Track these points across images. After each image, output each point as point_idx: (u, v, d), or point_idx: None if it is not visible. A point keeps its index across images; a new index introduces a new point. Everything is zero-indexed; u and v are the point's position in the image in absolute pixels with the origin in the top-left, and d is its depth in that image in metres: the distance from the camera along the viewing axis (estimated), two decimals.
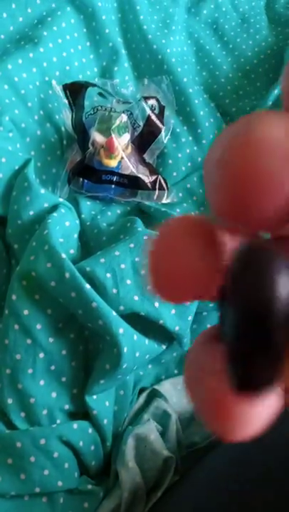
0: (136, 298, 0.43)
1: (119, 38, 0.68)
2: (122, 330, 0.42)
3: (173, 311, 0.45)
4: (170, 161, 0.62)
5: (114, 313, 0.42)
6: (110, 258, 0.45)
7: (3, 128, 0.54)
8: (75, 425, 0.43)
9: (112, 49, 0.67)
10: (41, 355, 0.42)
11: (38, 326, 0.42)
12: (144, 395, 0.50)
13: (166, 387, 0.51)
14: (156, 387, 0.50)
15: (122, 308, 0.43)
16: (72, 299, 0.42)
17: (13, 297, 0.42)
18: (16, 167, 0.52)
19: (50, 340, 0.43)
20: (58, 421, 0.43)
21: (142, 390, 0.51)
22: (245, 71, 0.75)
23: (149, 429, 0.46)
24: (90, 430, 0.44)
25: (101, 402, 0.44)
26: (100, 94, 0.60)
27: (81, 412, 0.44)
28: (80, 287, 0.42)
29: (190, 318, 0.46)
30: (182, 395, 0.51)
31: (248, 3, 0.83)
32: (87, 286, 0.42)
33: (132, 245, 0.46)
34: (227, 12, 0.79)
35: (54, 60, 0.62)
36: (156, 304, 0.44)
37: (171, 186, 0.60)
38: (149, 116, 0.58)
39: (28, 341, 0.42)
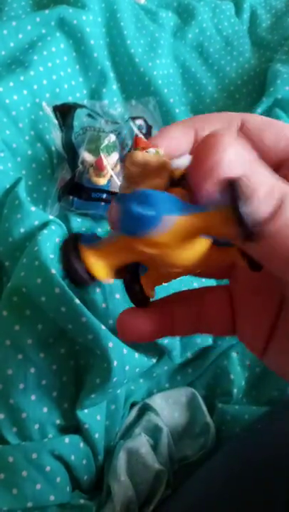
0: None
1: (107, 61, 0.70)
2: (112, 344, 0.43)
3: None
4: None
5: (103, 327, 0.43)
6: None
7: None
8: (67, 439, 0.43)
9: (101, 72, 0.69)
10: (32, 370, 0.43)
11: (29, 341, 0.43)
12: (135, 409, 0.50)
13: (157, 401, 0.51)
14: (147, 401, 0.51)
15: (111, 322, 0.44)
16: (62, 313, 0.43)
17: (4, 313, 0.43)
18: (7, 186, 0.53)
19: (41, 355, 0.43)
20: (50, 435, 0.43)
21: (133, 404, 0.51)
22: (229, 92, 0.78)
23: (141, 442, 0.46)
24: (82, 444, 0.44)
25: (92, 416, 0.44)
26: (89, 115, 0.62)
27: (72, 426, 0.45)
28: (69, 302, 0.42)
29: None
30: (174, 409, 0.51)
31: (232, 27, 0.86)
32: (77, 301, 0.43)
33: None
34: (211, 36, 0.82)
35: (44, 82, 0.64)
36: None
37: None
38: (136, 136, 0.60)
39: (20, 356, 0.42)
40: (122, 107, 0.67)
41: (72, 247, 0.17)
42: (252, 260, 0.18)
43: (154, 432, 0.48)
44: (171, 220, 0.16)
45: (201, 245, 0.17)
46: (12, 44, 0.65)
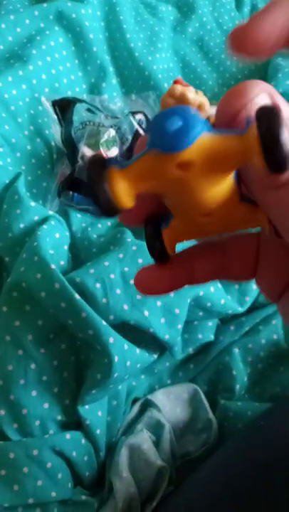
0: (125, 307, 0.44)
1: (106, 55, 0.70)
2: (113, 339, 0.42)
3: (162, 320, 0.45)
4: None
5: (104, 322, 0.43)
6: (100, 268, 0.46)
7: None
8: (68, 435, 0.43)
9: (100, 66, 0.68)
10: (33, 365, 0.42)
11: (29, 337, 0.42)
12: (137, 405, 0.50)
13: (159, 397, 0.51)
14: (149, 397, 0.50)
15: (112, 317, 0.44)
16: (62, 309, 0.42)
17: (4, 309, 0.43)
18: (7, 181, 0.53)
19: (42, 350, 0.43)
20: (51, 431, 0.43)
21: (135, 400, 0.51)
22: (230, 86, 0.77)
23: (143, 439, 0.46)
24: (83, 440, 0.44)
25: (93, 412, 0.44)
26: (89, 109, 0.61)
27: (74, 422, 0.44)
28: (69, 297, 0.42)
29: (179, 326, 0.46)
30: (175, 405, 0.51)
31: (232, 21, 0.85)
32: (77, 296, 0.42)
33: (121, 255, 0.47)
34: (212, 30, 0.81)
35: (43, 77, 0.63)
36: (146, 313, 0.45)
37: None
38: (136, 131, 0.60)
39: (20, 352, 0.42)
40: (122, 101, 0.66)
41: (99, 168, 0.16)
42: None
43: (156, 428, 0.48)
44: (204, 137, 0.15)
45: (227, 184, 0.17)
46: (10, 38, 0.64)
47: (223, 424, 0.50)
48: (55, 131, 0.60)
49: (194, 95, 0.15)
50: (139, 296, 0.45)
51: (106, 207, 0.16)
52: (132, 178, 0.16)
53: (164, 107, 0.17)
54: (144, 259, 0.47)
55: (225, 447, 0.44)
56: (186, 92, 0.15)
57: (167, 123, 0.15)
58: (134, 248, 0.48)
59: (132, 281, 0.46)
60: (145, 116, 0.63)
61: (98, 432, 0.44)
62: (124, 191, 0.16)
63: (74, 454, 0.42)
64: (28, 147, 0.60)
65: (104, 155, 0.55)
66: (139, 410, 0.50)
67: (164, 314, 0.46)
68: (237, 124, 0.16)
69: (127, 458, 0.45)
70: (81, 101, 0.61)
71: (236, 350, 0.53)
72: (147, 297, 0.45)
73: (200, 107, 0.16)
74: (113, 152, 0.57)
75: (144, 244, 0.48)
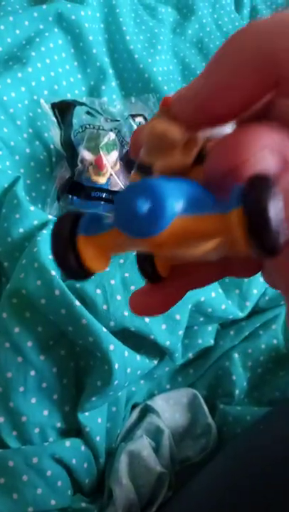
0: (126, 313, 0.44)
1: (106, 57, 0.70)
2: (113, 346, 0.42)
3: (163, 326, 0.45)
4: None
5: (104, 329, 0.42)
6: (100, 274, 0.45)
7: None
8: (68, 443, 0.42)
9: (100, 68, 0.68)
10: (32, 372, 0.42)
11: (29, 344, 0.42)
12: (136, 411, 0.50)
13: (158, 402, 0.51)
14: (148, 402, 0.50)
15: (112, 324, 0.43)
16: (62, 315, 0.42)
17: (4, 315, 0.43)
18: (5, 185, 0.52)
19: (41, 357, 0.43)
20: (51, 439, 0.43)
21: (134, 406, 0.51)
22: None
23: (142, 445, 0.46)
24: (83, 447, 0.43)
25: (93, 419, 0.44)
26: (88, 112, 0.61)
27: (73, 429, 0.44)
28: (69, 304, 0.42)
29: (180, 332, 0.46)
30: (175, 410, 0.51)
31: (232, 22, 0.85)
32: (77, 303, 0.42)
33: (121, 261, 0.46)
34: (211, 32, 0.81)
35: (42, 79, 0.63)
36: (147, 320, 0.44)
37: None
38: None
39: (19, 359, 0.42)
40: (122, 104, 0.66)
41: (67, 233, 0.15)
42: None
43: (156, 434, 0.48)
44: (177, 220, 0.13)
45: (211, 245, 0.15)
46: (9, 40, 0.64)
47: (223, 428, 0.50)
48: (54, 134, 0.59)
49: (178, 133, 0.13)
50: None
51: (75, 273, 0.15)
52: (102, 247, 0.15)
53: (147, 147, 0.15)
54: None
55: (224, 453, 0.44)
56: (167, 133, 0.13)
57: (134, 204, 0.13)
58: (134, 254, 0.47)
59: (132, 288, 0.45)
60: (145, 119, 0.62)
61: (98, 438, 0.44)
62: (94, 258, 0.15)
63: (74, 461, 0.42)
64: (27, 150, 0.59)
65: (104, 160, 0.55)
66: (138, 416, 0.50)
67: (165, 320, 0.46)
68: (226, 185, 0.14)
69: (126, 464, 0.45)
70: (81, 104, 0.61)
71: (236, 355, 0.53)
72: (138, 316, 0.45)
73: (188, 143, 0.13)
74: (113, 156, 0.57)
75: None
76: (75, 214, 0.15)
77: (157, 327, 0.45)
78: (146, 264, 0.18)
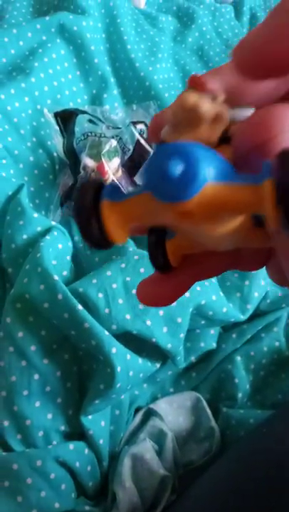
0: (128, 317, 0.44)
1: (107, 66, 0.71)
2: (115, 349, 0.43)
3: (165, 329, 0.46)
4: None
5: (106, 333, 0.43)
6: (102, 278, 0.46)
7: None
8: (71, 446, 0.43)
9: (101, 77, 0.69)
10: (36, 376, 0.43)
11: (33, 348, 0.43)
12: (140, 414, 0.50)
13: (161, 405, 0.51)
14: (151, 406, 0.51)
15: (114, 327, 0.44)
16: (65, 320, 0.43)
17: (8, 320, 0.43)
18: (10, 192, 0.53)
19: (45, 361, 0.43)
20: (54, 442, 0.43)
21: (138, 409, 0.51)
22: None
23: (145, 448, 0.46)
24: (86, 451, 0.44)
25: (97, 422, 0.44)
26: (90, 120, 0.62)
27: (77, 432, 0.45)
28: (72, 308, 0.43)
29: (182, 335, 0.46)
30: (178, 414, 0.51)
31: (232, 30, 0.86)
32: (80, 307, 0.43)
33: (123, 265, 0.47)
34: (211, 39, 0.82)
35: (45, 89, 0.64)
36: (149, 322, 0.45)
37: None
38: (138, 141, 0.60)
39: (23, 363, 0.42)
40: (123, 112, 0.67)
41: (91, 198, 0.14)
42: None
43: (159, 437, 0.48)
44: (209, 186, 0.13)
45: (235, 221, 0.14)
46: (13, 51, 0.65)
47: (226, 432, 0.50)
48: (57, 142, 0.61)
49: (209, 106, 0.13)
50: (141, 306, 0.45)
51: (97, 241, 0.15)
52: (126, 215, 0.14)
53: (174, 122, 0.15)
54: (146, 268, 0.48)
55: (227, 456, 0.44)
56: (199, 104, 0.13)
57: (167, 166, 0.13)
58: (136, 258, 0.48)
59: (134, 291, 0.46)
60: (146, 126, 0.63)
61: (101, 441, 0.44)
62: (117, 226, 0.14)
63: (77, 464, 0.43)
64: (31, 158, 0.60)
65: (106, 167, 0.56)
66: (141, 419, 0.50)
67: (167, 323, 0.46)
68: (253, 162, 0.14)
69: (129, 467, 0.45)
70: (83, 112, 0.62)
71: (238, 358, 0.53)
72: (150, 307, 0.45)
73: (216, 119, 0.13)
74: (115, 162, 0.58)
75: (146, 253, 0.49)
76: (100, 181, 0.15)
77: (159, 330, 0.45)
78: (158, 252, 0.17)
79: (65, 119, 0.60)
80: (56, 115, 0.60)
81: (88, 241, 0.15)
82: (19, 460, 0.40)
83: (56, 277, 0.44)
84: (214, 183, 0.13)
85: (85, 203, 0.14)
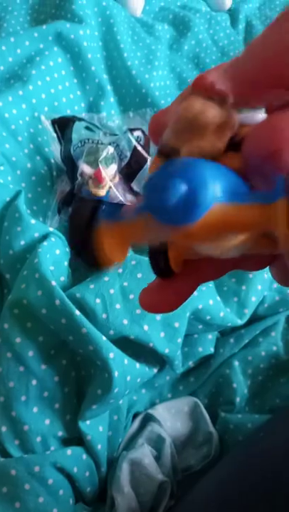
0: (125, 322, 0.45)
1: (104, 74, 0.71)
2: (113, 354, 0.43)
3: (162, 334, 0.46)
4: None
5: (104, 338, 0.43)
6: (99, 284, 0.46)
7: None
8: (69, 451, 0.43)
9: (98, 85, 0.70)
10: (34, 382, 0.43)
11: (30, 353, 0.43)
12: (138, 420, 0.50)
13: (159, 411, 0.51)
14: (150, 411, 0.51)
15: (111, 332, 0.44)
16: (62, 325, 0.43)
17: (5, 326, 0.43)
18: (7, 199, 0.54)
19: (43, 367, 0.43)
20: (52, 448, 0.43)
21: (136, 415, 0.51)
22: None
23: (144, 453, 0.46)
24: (84, 456, 0.44)
25: (95, 427, 0.44)
26: (87, 127, 0.62)
27: (75, 438, 0.45)
28: (70, 313, 0.43)
29: (179, 340, 0.47)
30: (176, 419, 0.51)
31: (227, 37, 0.87)
32: (77, 312, 0.43)
33: (120, 270, 0.47)
34: (207, 47, 0.83)
35: (43, 96, 0.65)
36: (146, 327, 0.45)
37: None
38: (135, 147, 0.61)
39: (21, 369, 0.42)
40: (120, 119, 0.67)
41: (86, 220, 0.14)
42: None
43: (157, 443, 0.48)
44: (215, 211, 0.12)
45: (242, 238, 0.13)
46: (11, 59, 0.66)
47: (224, 437, 0.50)
48: (54, 149, 0.61)
49: (215, 114, 0.12)
50: (138, 311, 0.46)
51: (95, 263, 0.14)
52: (125, 236, 0.14)
53: (176, 128, 0.14)
54: (144, 273, 0.48)
55: (225, 461, 0.44)
56: (204, 112, 0.12)
57: (169, 186, 0.12)
58: (133, 263, 0.48)
59: (131, 296, 0.46)
60: (143, 132, 0.64)
61: (99, 447, 0.44)
62: (115, 248, 0.14)
63: (75, 469, 0.43)
64: (28, 165, 0.61)
65: (103, 174, 0.56)
66: (139, 425, 0.50)
67: (164, 328, 0.46)
68: (265, 172, 0.13)
69: (128, 473, 0.45)
70: (80, 119, 0.62)
71: (236, 363, 0.53)
72: (148, 312, 0.45)
73: (223, 126, 0.12)
74: (112, 169, 0.58)
75: (143, 258, 0.49)
76: (95, 202, 0.14)
77: (156, 335, 0.45)
78: (159, 258, 0.16)
79: (63, 126, 0.61)
80: (53, 122, 0.61)
81: (86, 263, 0.14)
82: (17, 466, 0.40)
83: (54, 283, 0.44)
84: (221, 204, 0.12)
85: (78, 224, 0.14)
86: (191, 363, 0.52)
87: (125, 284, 0.47)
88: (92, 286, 0.46)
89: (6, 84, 0.64)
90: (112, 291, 0.46)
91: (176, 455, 0.49)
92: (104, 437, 0.45)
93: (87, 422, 0.44)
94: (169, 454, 0.48)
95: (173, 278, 0.17)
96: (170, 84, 0.76)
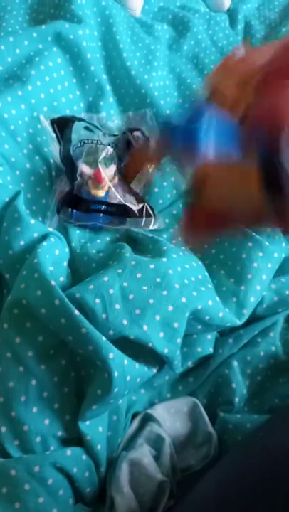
0: (125, 322, 0.45)
1: (104, 74, 0.71)
2: (112, 355, 0.43)
3: (161, 334, 0.46)
4: (156, 189, 0.64)
5: (104, 338, 0.43)
6: (99, 284, 0.46)
7: None
8: (69, 452, 0.43)
9: (98, 85, 0.70)
10: (33, 382, 0.43)
11: (30, 354, 0.43)
12: (137, 420, 0.50)
13: (159, 411, 0.51)
14: (149, 411, 0.51)
15: (111, 332, 0.44)
16: (62, 325, 0.43)
17: (5, 326, 0.43)
18: (6, 199, 0.54)
19: (42, 367, 0.43)
20: (52, 448, 0.43)
21: (135, 415, 0.51)
22: None
23: (143, 453, 0.46)
24: (84, 456, 0.44)
25: (94, 427, 0.44)
26: (87, 128, 0.62)
27: (75, 438, 0.45)
28: (69, 313, 0.43)
29: (178, 340, 0.47)
30: (175, 419, 0.51)
31: (226, 38, 0.87)
32: (77, 312, 0.43)
33: (119, 271, 0.47)
34: (206, 47, 0.83)
35: (42, 96, 0.65)
36: (145, 327, 0.45)
37: (158, 213, 0.62)
38: (133, 147, 0.61)
39: (21, 369, 0.42)
40: (119, 119, 0.67)
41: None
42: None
43: (157, 443, 0.48)
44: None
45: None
46: (9, 59, 0.66)
47: (223, 437, 0.50)
48: (53, 149, 0.61)
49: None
50: (138, 311, 0.46)
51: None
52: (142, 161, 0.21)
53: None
54: (143, 273, 0.48)
55: (224, 461, 0.44)
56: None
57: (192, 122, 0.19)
58: (133, 263, 0.48)
59: (131, 296, 0.46)
60: (142, 133, 0.64)
61: (99, 447, 0.44)
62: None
63: (75, 470, 0.43)
64: (28, 165, 0.61)
65: (103, 174, 0.56)
66: (139, 425, 0.50)
67: (163, 328, 0.46)
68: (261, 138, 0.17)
69: (127, 473, 0.45)
70: (79, 119, 0.62)
71: (235, 363, 0.53)
72: (146, 312, 0.45)
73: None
74: (111, 169, 0.58)
75: (142, 259, 0.49)
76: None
77: (155, 335, 0.45)
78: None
79: (62, 126, 0.61)
80: (53, 122, 0.61)
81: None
82: (17, 466, 0.40)
83: (53, 283, 0.44)
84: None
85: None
86: (190, 363, 0.52)
87: (125, 284, 0.47)
88: (91, 286, 0.46)
89: (5, 85, 0.63)
90: (111, 291, 0.46)
91: (176, 455, 0.49)
92: (104, 437, 0.45)
93: (87, 423, 0.44)
94: (169, 453, 0.48)
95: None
96: (169, 85, 0.76)
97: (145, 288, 0.47)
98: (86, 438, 0.43)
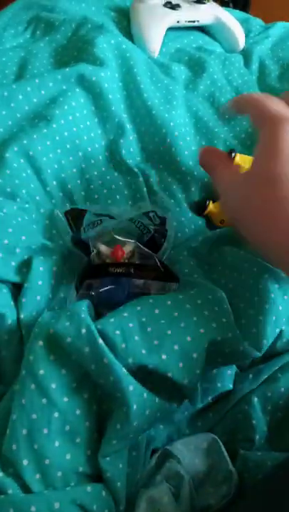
0: (143, 351, 0.45)
1: (124, 113, 0.74)
2: (132, 387, 0.43)
3: (180, 364, 0.46)
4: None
5: (124, 370, 0.43)
6: (119, 318, 0.47)
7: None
8: (89, 488, 0.42)
9: (118, 124, 0.73)
10: (56, 414, 0.43)
11: (53, 386, 0.43)
12: (156, 456, 0.50)
13: (178, 447, 0.50)
14: (168, 447, 0.50)
15: (130, 360, 0.44)
16: (85, 354, 0.43)
17: (31, 358, 0.44)
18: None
19: (65, 399, 0.44)
20: (72, 483, 0.42)
21: (154, 451, 0.50)
22: (241, 139, 0.81)
23: (162, 491, 0.46)
24: (104, 493, 0.43)
25: (114, 463, 0.44)
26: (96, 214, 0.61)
27: (95, 474, 0.44)
28: (93, 342, 0.43)
29: (198, 371, 0.46)
30: (195, 456, 0.51)
31: (241, 77, 0.90)
32: (100, 341, 0.43)
33: (138, 308, 0.48)
34: (222, 86, 0.86)
35: (66, 134, 0.68)
36: (164, 357, 0.45)
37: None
38: (164, 218, 0.61)
39: (44, 401, 0.43)
40: (128, 208, 0.66)
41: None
42: None
43: (176, 480, 0.47)
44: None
45: None
46: (35, 100, 0.69)
47: (244, 475, 0.49)
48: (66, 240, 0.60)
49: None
50: (156, 342, 0.46)
51: None
52: None
53: None
54: (160, 309, 0.48)
55: (244, 500, 0.43)
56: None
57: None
58: (150, 301, 0.49)
59: (149, 329, 0.47)
60: (156, 214, 0.62)
61: (119, 484, 0.43)
62: None
63: (94, 507, 0.42)
64: (52, 201, 0.62)
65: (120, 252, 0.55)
66: (158, 461, 0.50)
67: (182, 359, 0.46)
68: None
69: (146, 511, 0.44)
70: (91, 212, 0.61)
71: (255, 399, 0.53)
72: (164, 342, 0.46)
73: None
74: (129, 246, 0.57)
75: (159, 297, 0.50)
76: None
77: (174, 365, 0.45)
78: None
79: (75, 217, 0.60)
80: (66, 213, 0.61)
81: None
82: (37, 502, 0.40)
83: (83, 315, 0.45)
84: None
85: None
86: (210, 398, 0.52)
87: (144, 319, 0.47)
88: (112, 320, 0.47)
89: (30, 124, 0.66)
90: (131, 325, 0.47)
91: (195, 493, 0.48)
92: (124, 474, 0.45)
93: (108, 459, 0.43)
94: (188, 492, 0.47)
95: None
96: (187, 122, 0.78)
97: (163, 321, 0.47)
98: (106, 475, 0.43)
